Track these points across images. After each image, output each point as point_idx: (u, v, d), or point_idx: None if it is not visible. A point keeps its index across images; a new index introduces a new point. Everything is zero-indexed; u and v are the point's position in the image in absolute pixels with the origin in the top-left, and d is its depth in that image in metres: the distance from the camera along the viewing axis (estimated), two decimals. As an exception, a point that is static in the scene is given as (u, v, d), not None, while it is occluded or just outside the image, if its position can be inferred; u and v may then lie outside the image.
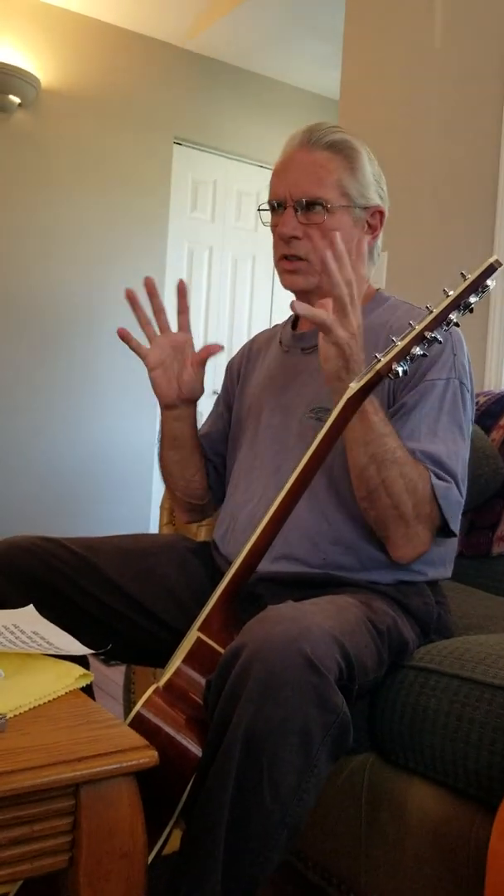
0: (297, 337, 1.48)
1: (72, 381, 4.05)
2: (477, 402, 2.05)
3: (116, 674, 2.72)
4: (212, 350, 1.38)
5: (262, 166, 4.44)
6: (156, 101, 4.18)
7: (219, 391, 1.67)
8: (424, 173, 2.65)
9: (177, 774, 1.04)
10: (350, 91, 3.06)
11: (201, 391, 1.44)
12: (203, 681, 1.09)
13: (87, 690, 0.97)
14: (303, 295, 1.40)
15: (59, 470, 4.02)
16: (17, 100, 3.75)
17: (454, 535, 1.28)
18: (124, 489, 4.17)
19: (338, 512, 1.31)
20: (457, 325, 1.06)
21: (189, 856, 0.96)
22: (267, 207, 1.40)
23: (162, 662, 1.20)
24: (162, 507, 2.10)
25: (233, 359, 1.66)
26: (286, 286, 1.41)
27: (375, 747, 1.24)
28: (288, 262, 1.37)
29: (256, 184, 4.43)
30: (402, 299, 1.44)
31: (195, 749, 1.04)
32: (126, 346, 1.42)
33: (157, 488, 4.15)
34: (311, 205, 1.33)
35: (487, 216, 2.41)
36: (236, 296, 4.55)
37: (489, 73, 2.44)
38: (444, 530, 1.26)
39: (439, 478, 1.22)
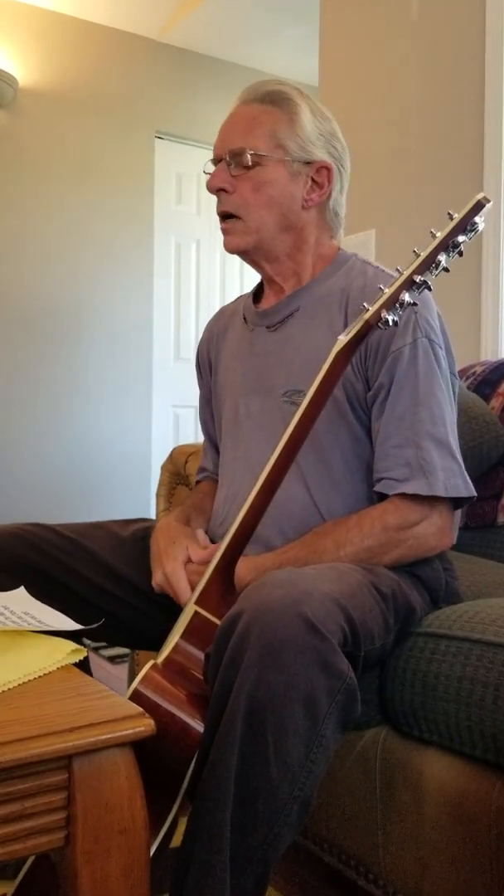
0: (260, 314, 1.39)
1: (64, 381, 4.00)
2: (474, 372, 2.01)
3: (121, 671, 2.67)
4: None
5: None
6: (135, 95, 4.15)
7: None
8: (407, 149, 2.61)
9: (179, 753, 0.99)
10: (329, 72, 3.02)
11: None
12: (203, 656, 1.05)
13: (84, 669, 0.93)
14: (245, 257, 1.35)
15: (55, 472, 3.98)
16: (-6, 100, 3.72)
17: (471, 498, 1.23)
18: (122, 490, 4.13)
19: (329, 487, 1.27)
20: (446, 269, 1.02)
21: (194, 838, 0.91)
22: (210, 171, 1.33)
23: (161, 645, 1.15)
24: (158, 495, 2.06)
25: (199, 349, 1.58)
26: (226, 249, 1.34)
27: (387, 720, 1.19)
28: (223, 221, 1.31)
29: (241, 175, 4.40)
30: (364, 259, 1.36)
31: (197, 726, 1.00)
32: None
33: (155, 489, 4.11)
34: (238, 156, 1.27)
35: (474, 186, 2.37)
36: (226, 287, 4.51)
37: (468, 42, 2.40)
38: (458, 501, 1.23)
39: (420, 474, 1.18)
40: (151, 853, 0.98)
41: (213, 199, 1.32)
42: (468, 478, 1.22)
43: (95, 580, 1.34)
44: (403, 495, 1.19)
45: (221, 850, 0.89)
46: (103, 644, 2.81)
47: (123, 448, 4.13)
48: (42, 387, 3.95)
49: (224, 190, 1.28)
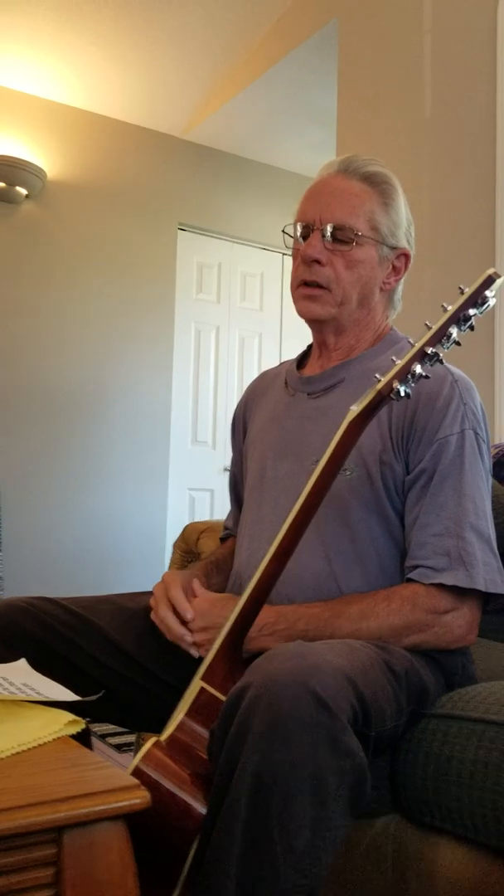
0: (303, 381, 1.40)
1: (83, 465, 4.04)
2: (492, 454, 2.00)
3: (127, 759, 2.59)
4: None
5: (263, 248, 4.52)
6: (159, 189, 4.30)
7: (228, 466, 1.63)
8: (419, 248, 2.66)
9: (180, 837, 0.95)
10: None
11: None
12: (208, 734, 1.01)
13: (84, 742, 0.90)
14: (317, 325, 1.36)
15: (70, 549, 3.97)
16: (24, 191, 3.86)
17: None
18: (135, 572, 4.10)
19: (352, 562, 1.24)
20: (458, 343, 1.02)
21: (194, 926, 0.87)
22: (291, 231, 1.35)
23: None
24: (176, 546, 2.04)
25: (235, 413, 1.60)
26: (301, 313, 1.35)
27: (399, 808, 1.14)
28: (307, 287, 1.32)
29: (259, 265, 4.52)
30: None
31: (200, 807, 0.95)
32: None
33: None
34: (339, 231, 1.28)
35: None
36: (244, 372, 4.56)
37: (479, 139, 2.48)
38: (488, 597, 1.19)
39: (460, 565, 1.15)
40: None
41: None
42: None
43: (100, 657, 1.31)
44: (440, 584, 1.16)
45: (221, 941, 0.83)
46: (110, 731, 2.74)
47: (138, 529, 4.12)
48: (60, 466, 3.99)
49: (318, 261, 1.30)
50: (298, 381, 1.41)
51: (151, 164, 4.29)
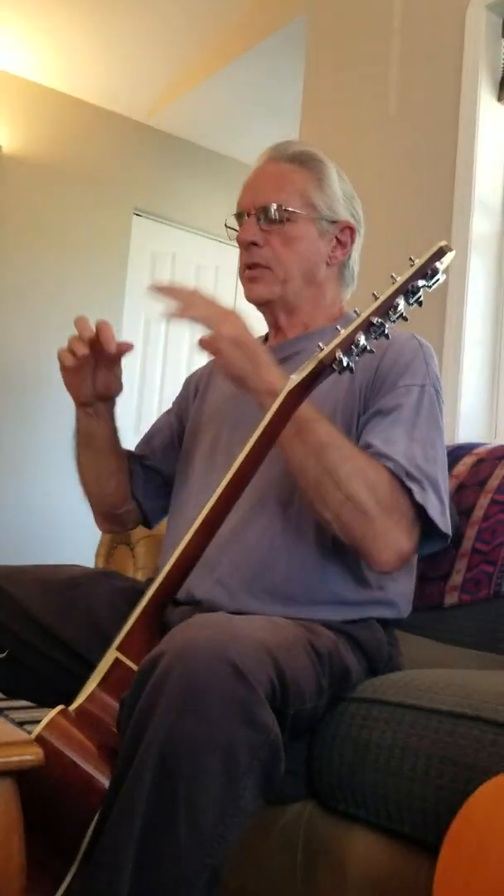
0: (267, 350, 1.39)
1: (20, 442, 3.95)
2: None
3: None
4: (123, 348, 1.28)
5: (219, 241, 4.47)
6: (117, 172, 4.23)
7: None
8: (378, 243, 2.65)
9: (80, 811, 0.90)
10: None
11: (119, 388, 1.35)
12: (120, 707, 0.97)
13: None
14: (267, 307, 1.36)
15: (1, 529, 3.86)
16: (-24, 164, 3.77)
17: (446, 537, 1.16)
18: (64, 558, 4.01)
19: (288, 536, 1.20)
20: (404, 318, 0.99)
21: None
22: (235, 225, 1.37)
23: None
24: (97, 555, 1.99)
25: (195, 371, 1.57)
26: (249, 298, 1.36)
27: (313, 794, 1.10)
28: (249, 270, 1.33)
29: (214, 258, 4.46)
30: None
31: (104, 780, 0.91)
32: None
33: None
34: (272, 212, 1.30)
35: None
36: (192, 367, 4.50)
37: (441, 136, 2.48)
38: (431, 534, 1.15)
39: (413, 479, 1.11)
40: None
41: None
42: (449, 522, 1.16)
43: (13, 628, 1.24)
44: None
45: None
46: (16, 705, 2.64)
47: (72, 515, 4.02)
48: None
49: (255, 243, 1.31)
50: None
51: (112, 146, 4.22)
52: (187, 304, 1.15)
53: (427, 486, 1.13)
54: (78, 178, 4.12)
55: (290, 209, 1.30)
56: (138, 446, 1.53)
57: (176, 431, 1.50)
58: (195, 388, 1.52)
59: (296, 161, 1.33)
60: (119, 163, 4.24)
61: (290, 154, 1.34)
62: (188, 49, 3.76)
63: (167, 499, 1.45)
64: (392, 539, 1.11)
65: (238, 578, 1.18)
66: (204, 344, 1.15)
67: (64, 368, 1.29)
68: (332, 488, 1.08)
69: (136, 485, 1.46)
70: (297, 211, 1.30)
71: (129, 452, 1.48)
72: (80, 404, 1.35)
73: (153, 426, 1.56)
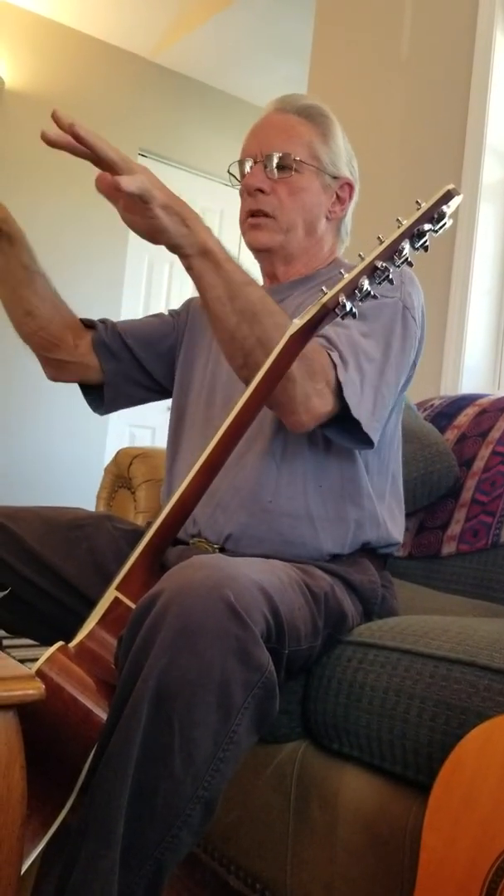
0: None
1: (21, 386, 3.92)
2: (432, 404, 1.99)
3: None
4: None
5: (225, 184, 4.41)
6: (122, 110, 4.15)
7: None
8: (388, 190, 2.61)
9: (79, 744, 0.91)
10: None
11: (12, 221, 1.36)
12: (119, 644, 0.98)
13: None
14: (266, 255, 1.36)
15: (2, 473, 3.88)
16: (-22, 97, 3.69)
17: (370, 442, 1.15)
18: (67, 501, 4.03)
19: (285, 458, 1.21)
20: (410, 263, 0.98)
21: (83, 832, 0.84)
22: (237, 170, 1.36)
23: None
24: (98, 497, 2.00)
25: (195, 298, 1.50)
26: (249, 243, 1.35)
27: (308, 734, 1.13)
28: (253, 217, 1.33)
29: (220, 201, 4.39)
30: None
31: (102, 714, 0.92)
32: None
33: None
34: (280, 161, 1.30)
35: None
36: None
37: (454, 81, 2.43)
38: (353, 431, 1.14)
39: (342, 359, 1.11)
40: (36, 855, 0.90)
41: None
42: (376, 427, 1.15)
43: (15, 566, 1.26)
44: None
45: (111, 846, 0.81)
46: (17, 643, 2.68)
47: (75, 461, 4.04)
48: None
49: (261, 190, 1.30)
50: None
51: (117, 83, 4.13)
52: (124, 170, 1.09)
53: (352, 369, 1.12)
54: (82, 115, 3.94)
55: (298, 159, 1.29)
56: (119, 323, 1.50)
57: (168, 336, 1.48)
58: (187, 310, 1.50)
59: (303, 114, 1.33)
60: (124, 101, 4.15)
61: (298, 106, 1.34)
62: (197, -17, 3.66)
63: (132, 387, 1.46)
64: (314, 403, 1.10)
65: (238, 500, 1.20)
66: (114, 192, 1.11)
67: None
68: (261, 355, 1.05)
69: (103, 353, 1.44)
70: (305, 162, 1.30)
71: (105, 320, 1.49)
72: None
73: (146, 317, 1.54)
